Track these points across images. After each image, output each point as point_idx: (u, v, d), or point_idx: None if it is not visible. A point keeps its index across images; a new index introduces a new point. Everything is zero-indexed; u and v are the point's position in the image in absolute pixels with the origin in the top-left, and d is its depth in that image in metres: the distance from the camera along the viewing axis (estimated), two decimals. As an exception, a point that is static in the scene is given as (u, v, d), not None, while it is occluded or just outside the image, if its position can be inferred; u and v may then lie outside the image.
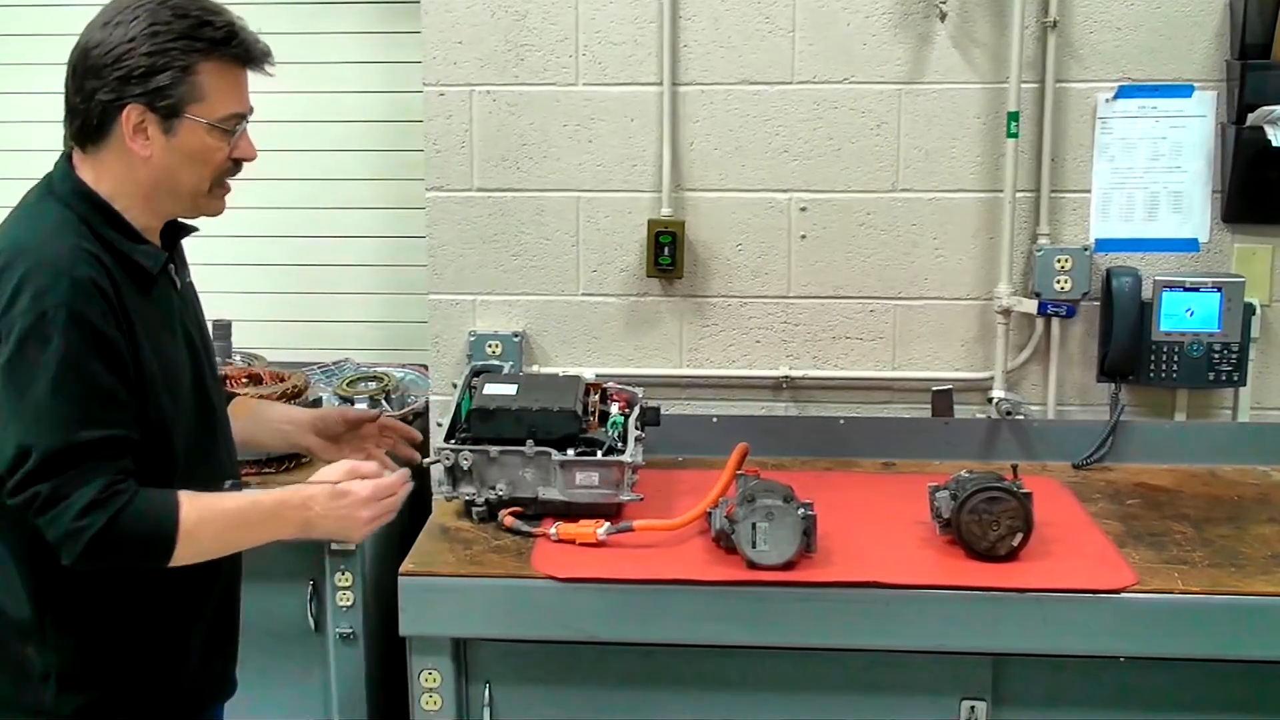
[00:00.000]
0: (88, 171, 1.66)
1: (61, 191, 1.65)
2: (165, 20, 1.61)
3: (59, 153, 1.71)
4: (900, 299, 2.62)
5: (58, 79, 1.68)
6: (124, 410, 1.59)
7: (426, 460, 2.25)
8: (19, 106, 3.06)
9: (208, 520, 1.62)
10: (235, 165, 1.71)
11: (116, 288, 1.60)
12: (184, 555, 1.61)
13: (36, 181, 1.71)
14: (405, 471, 1.81)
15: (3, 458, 1.55)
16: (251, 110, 1.71)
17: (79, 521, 1.53)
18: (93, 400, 1.56)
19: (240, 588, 1.88)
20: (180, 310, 1.75)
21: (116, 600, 1.66)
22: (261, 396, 2.46)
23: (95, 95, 1.61)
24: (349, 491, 1.71)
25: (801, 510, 2.00)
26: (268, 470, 2.47)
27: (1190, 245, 2.57)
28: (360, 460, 1.80)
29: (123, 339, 1.59)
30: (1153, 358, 2.53)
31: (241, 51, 1.66)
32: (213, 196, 1.71)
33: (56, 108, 1.69)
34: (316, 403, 2.66)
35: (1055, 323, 2.58)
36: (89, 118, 1.63)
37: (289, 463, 2.53)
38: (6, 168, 2.94)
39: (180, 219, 1.76)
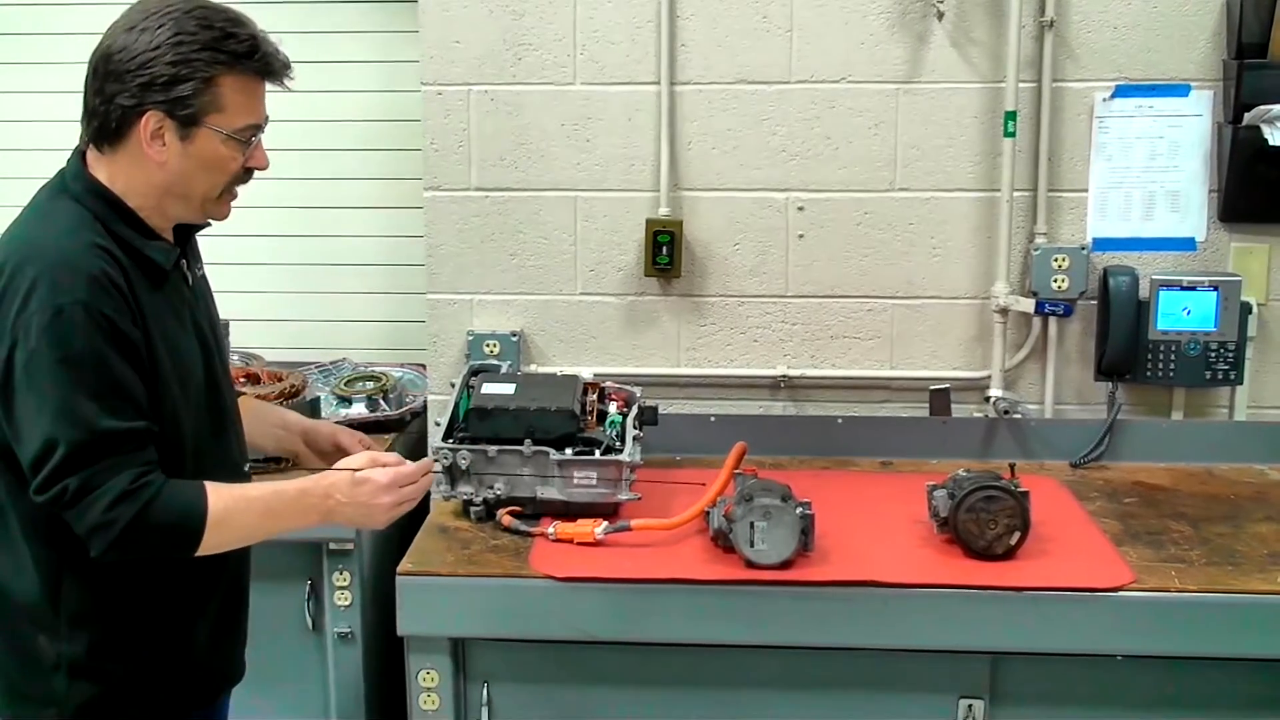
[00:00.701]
0: (102, 171, 1.68)
1: (75, 189, 1.67)
2: (190, 30, 1.62)
3: (64, 151, 1.72)
4: (898, 298, 2.62)
5: (62, 78, 1.68)
6: (141, 403, 1.61)
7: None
8: (24, 106, 3.05)
9: (234, 510, 1.64)
10: (247, 173, 1.73)
11: (130, 283, 1.62)
12: (211, 544, 1.63)
13: (47, 179, 1.72)
14: (427, 460, 1.83)
15: (29, 452, 1.57)
16: (267, 120, 1.73)
17: (110, 513, 1.55)
18: (113, 394, 1.57)
19: (249, 576, 1.90)
20: (192, 304, 1.77)
21: (128, 591, 1.68)
22: (259, 396, 2.46)
23: (115, 99, 1.62)
24: (369, 479, 1.74)
25: (799, 509, 2.00)
26: (260, 471, 2.47)
27: (1187, 244, 2.57)
28: (383, 453, 1.82)
29: (138, 333, 1.61)
30: (1150, 357, 2.53)
31: (263, 65, 1.68)
32: (221, 202, 1.74)
33: (60, 106, 1.70)
34: (315, 402, 2.66)
35: (1053, 322, 2.58)
36: (107, 120, 1.64)
37: (285, 463, 2.52)
38: (13, 167, 2.95)
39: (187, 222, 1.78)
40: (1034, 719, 2.05)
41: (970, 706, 2.03)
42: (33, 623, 1.67)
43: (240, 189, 1.76)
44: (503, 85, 2.59)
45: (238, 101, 1.66)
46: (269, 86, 1.73)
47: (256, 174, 1.76)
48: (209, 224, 1.81)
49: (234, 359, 2.85)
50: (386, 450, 2.23)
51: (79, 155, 1.70)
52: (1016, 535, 2.03)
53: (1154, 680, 2.01)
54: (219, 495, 1.63)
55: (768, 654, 2.04)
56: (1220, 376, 2.53)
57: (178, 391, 1.67)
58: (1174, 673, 2.00)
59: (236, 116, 1.67)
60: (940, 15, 2.50)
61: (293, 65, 1.73)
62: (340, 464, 1.77)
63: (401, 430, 2.72)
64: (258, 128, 1.71)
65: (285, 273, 3.10)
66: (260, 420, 2.04)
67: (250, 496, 1.68)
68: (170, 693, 1.76)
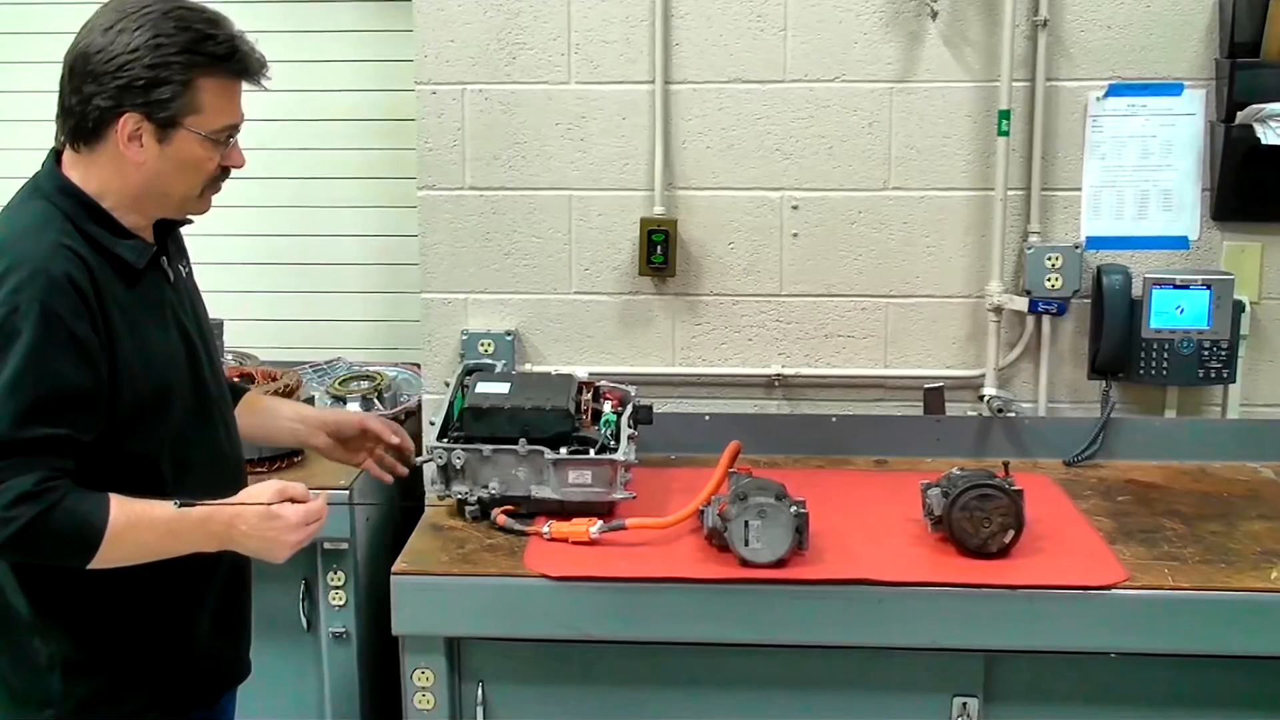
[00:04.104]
0: (78, 170, 1.67)
1: (47, 188, 1.68)
2: (169, 32, 1.62)
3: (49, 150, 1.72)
4: (892, 297, 2.62)
5: (50, 78, 1.68)
6: (82, 409, 1.60)
7: (419, 459, 2.25)
8: (11, 105, 3.04)
9: (135, 526, 1.62)
10: (224, 172, 1.73)
11: (96, 284, 1.62)
12: (106, 558, 1.61)
13: (26, 180, 1.72)
14: (324, 499, 1.78)
15: None
16: (243, 119, 1.73)
17: (9, 511, 1.54)
18: (49, 397, 1.57)
19: (249, 573, 1.89)
20: (173, 302, 1.76)
21: (113, 590, 1.68)
22: (258, 395, 2.46)
23: (93, 100, 1.62)
24: (280, 515, 1.70)
25: (794, 508, 2.01)
26: (259, 470, 2.47)
27: (1180, 243, 2.58)
28: (290, 484, 1.76)
29: (96, 336, 1.61)
30: (1143, 355, 2.53)
31: (240, 66, 1.68)
32: (202, 199, 1.74)
33: (48, 107, 1.70)
34: (309, 402, 2.66)
35: (1046, 320, 2.59)
36: (84, 120, 1.64)
37: (281, 462, 2.53)
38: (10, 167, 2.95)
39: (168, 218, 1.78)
40: (1028, 717, 2.05)
41: (964, 704, 2.03)
42: (26, 625, 1.68)
43: (228, 184, 1.75)
44: (497, 84, 2.59)
45: (216, 104, 1.66)
46: (249, 87, 1.73)
47: (247, 174, 1.76)
48: (190, 221, 1.81)
49: (228, 359, 2.85)
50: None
51: (54, 155, 1.71)
52: (1010, 534, 2.03)
53: (1148, 678, 2.01)
54: (122, 510, 1.60)
55: (762, 653, 2.04)
56: (1213, 375, 2.54)
57: (149, 388, 1.67)
58: (1168, 670, 2.00)
59: (214, 118, 1.67)
60: (934, 14, 2.50)
61: (269, 64, 1.72)
62: (246, 493, 1.73)
63: (396, 430, 2.72)
64: (235, 128, 1.71)
65: (280, 272, 3.10)
66: (275, 415, 2.06)
67: (154, 516, 1.63)
68: (169, 691, 1.76)
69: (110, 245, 1.66)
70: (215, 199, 1.77)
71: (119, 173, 1.66)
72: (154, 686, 1.74)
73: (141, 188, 1.67)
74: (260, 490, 1.72)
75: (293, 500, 1.72)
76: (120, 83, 1.61)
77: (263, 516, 1.69)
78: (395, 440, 2.13)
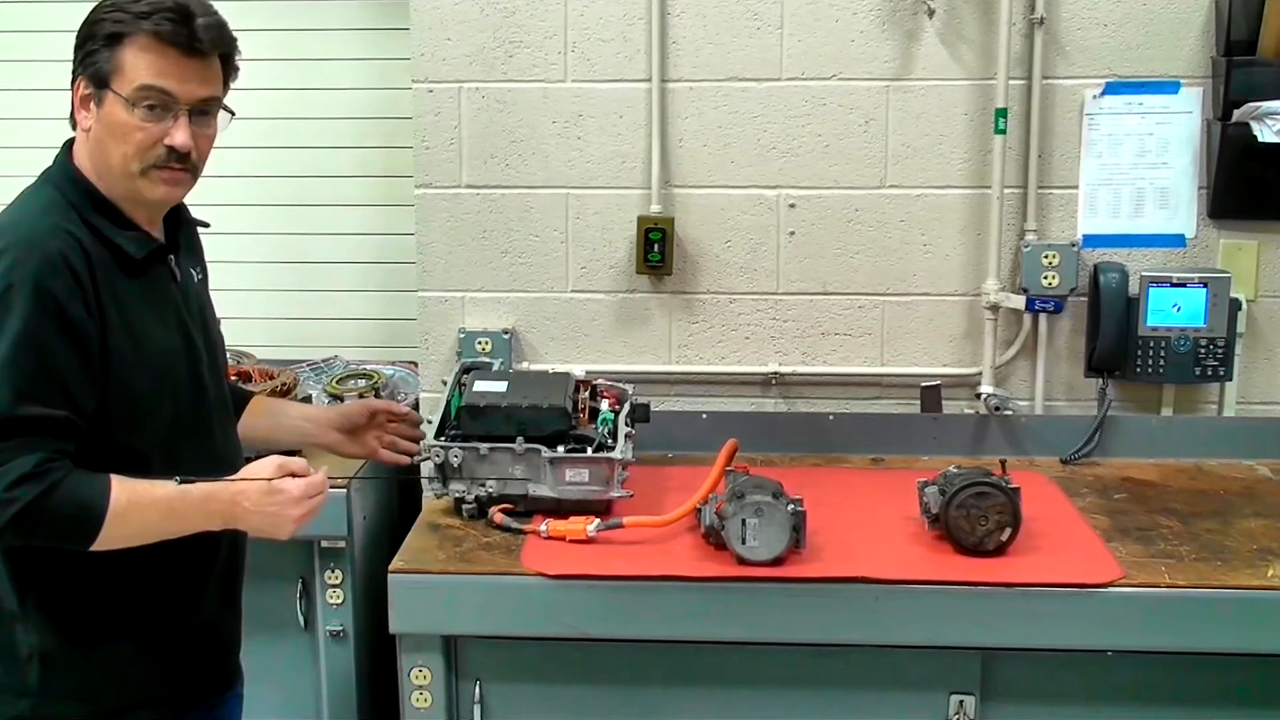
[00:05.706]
0: (81, 151, 1.70)
1: (56, 177, 1.70)
2: (123, 2, 1.64)
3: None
4: (889, 295, 2.62)
5: (59, 76, 1.71)
6: (76, 391, 1.60)
7: (416, 457, 2.25)
8: (27, 103, 3.04)
9: (137, 506, 1.61)
10: (169, 152, 1.66)
11: (93, 269, 1.62)
12: (109, 538, 1.60)
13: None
14: (324, 472, 1.77)
15: None
16: (207, 101, 1.67)
17: (10, 492, 1.54)
18: (44, 377, 1.57)
19: (240, 579, 1.89)
20: (178, 301, 1.77)
21: (99, 583, 1.67)
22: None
23: (72, 72, 1.68)
24: (282, 490, 1.69)
25: (791, 506, 2.01)
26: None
27: (1177, 241, 2.58)
28: (290, 458, 1.75)
29: (90, 320, 1.61)
30: (1140, 353, 2.54)
31: (167, 29, 1.62)
32: (147, 179, 1.67)
33: (55, 105, 1.72)
34: (305, 401, 2.66)
35: (1043, 318, 2.59)
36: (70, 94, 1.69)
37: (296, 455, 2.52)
38: (20, 165, 2.94)
39: (153, 206, 1.75)
40: (1025, 714, 2.05)
41: (961, 702, 2.03)
42: (10, 614, 1.67)
43: (226, 182, 1.75)
44: (494, 83, 2.59)
45: (137, 65, 1.62)
46: (259, 81, 1.74)
47: (244, 172, 1.74)
48: (192, 220, 1.81)
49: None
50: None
51: (67, 145, 1.73)
52: (1007, 531, 2.03)
53: (1144, 675, 2.02)
54: (123, 490, 1.60)
55: (759, 651, 2.04)
56: (1209, 373, 2.54)
57: (143, 381, 1.67)
58: (1164, 668, 2.01)
59: (132, 79, 1.63)
60: (931, 12, 2.51)
61: (234, 46, 1.70)
62: (248, 470, 1.72)
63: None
64: (158, 93, 1.63)
65: (277, 270, 3.10)
66: (280, 418, 2.08)
67: (155, 496, 1.63)
68: (157, 690, 1.75)
69: (112, 235, 1.67)
70: (214, 195, 1.76)
71: (84, 145, 1.69)
72: (136, 686, 1.73)
73: (94, 157, 1.68)
74: (261, 466, 1.72)
75: (293, 475, 1.71)
76: (77, 47, 1.65)
77: (265, 492, 1.69)
78: (403, 410, 2.18)
